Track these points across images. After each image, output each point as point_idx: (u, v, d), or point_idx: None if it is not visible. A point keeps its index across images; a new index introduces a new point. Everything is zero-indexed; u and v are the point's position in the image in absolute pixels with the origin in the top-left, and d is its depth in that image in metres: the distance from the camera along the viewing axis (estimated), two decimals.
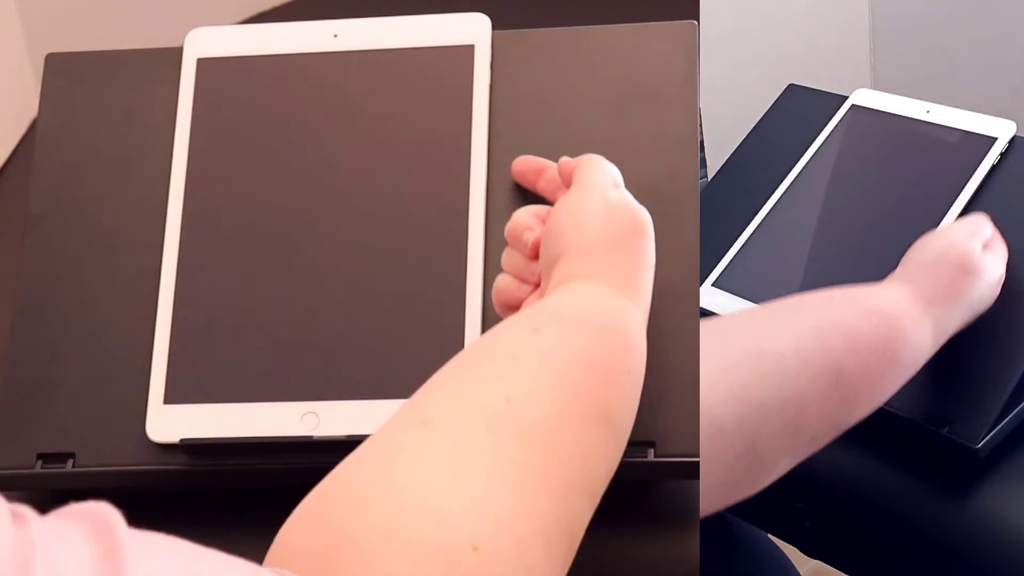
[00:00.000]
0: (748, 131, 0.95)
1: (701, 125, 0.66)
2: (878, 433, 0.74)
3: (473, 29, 0.67)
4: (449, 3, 0.68)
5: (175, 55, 0.68)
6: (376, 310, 0.63)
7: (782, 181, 0.88)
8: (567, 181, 0.60)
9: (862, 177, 0.86)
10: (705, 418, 0.54)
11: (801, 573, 0.93)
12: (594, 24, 0.67)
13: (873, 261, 0.75)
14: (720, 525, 0.88)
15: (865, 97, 0.89)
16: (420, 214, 0.64)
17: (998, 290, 0.70)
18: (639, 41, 0.66)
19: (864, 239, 0.82)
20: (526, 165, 0.64)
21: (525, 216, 0.60)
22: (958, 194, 0.79)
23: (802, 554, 0.79)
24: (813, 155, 0.88)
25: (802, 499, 0.76)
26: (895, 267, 0.68)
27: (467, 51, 0.67)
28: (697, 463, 0.57)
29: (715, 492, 0.56)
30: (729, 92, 1.58)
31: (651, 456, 0.58)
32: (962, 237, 0.69)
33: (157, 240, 0.65)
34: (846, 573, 0.78)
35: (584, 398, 0.49)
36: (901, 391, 0.74)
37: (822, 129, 0.89)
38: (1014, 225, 0.74)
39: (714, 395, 0.55)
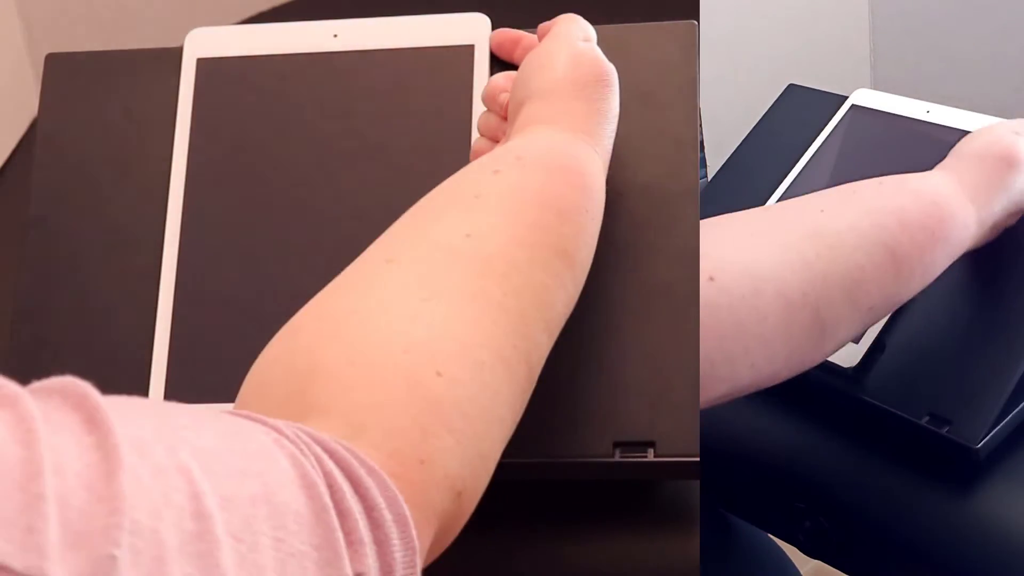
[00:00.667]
0: (748, 131, 0.95)
1: (701, 125, 0.66)
2: (878, 433, 0.74)
3: (473, 29, 0.67)
4: (449, 3, 0.68)
5: (175, 55, 0.68)
6: None
7: (782, 181, 0.88)
8: (543, 38, 0.62)
9: (862, 177, 0.86)
10: (773, 290, 0.58)
11: (801, 573, 0.93)
12: (594, 24, 0.67)
13: None
14: (720, 525, 0.88)
15: (865, 97, 0.89)
16: None
17: None
18: (639, 41, 0.66)
19: None
20: (504, 36, 0.66)
21: (501, 79, 0.62)
22: None
23: (802, 554, 0.79)
24: (813, 155, 0.88)
25: (802, 499, 0.76)
26: None
27: (467, 51, 0.67)
28: (697, 463, 0.57)
29: (783, 363, 0.60)
30: (729, 92, 1.58)
31: (651, 456, 0.58)
32: (1007, 133, 0.72)
33: (157, 240, 0.65)
34: (846, 573, 0.78)
35: (540, 233, 0.51)
36: (901, 391, 0.74)
37: (822, 129, 0.89)
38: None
39: (780, 269, 0.59)
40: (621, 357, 0.59)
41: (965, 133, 0.81)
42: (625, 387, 0.59)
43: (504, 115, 0.61)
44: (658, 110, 0.64)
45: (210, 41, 0.69)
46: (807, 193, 0.86)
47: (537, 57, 0.60)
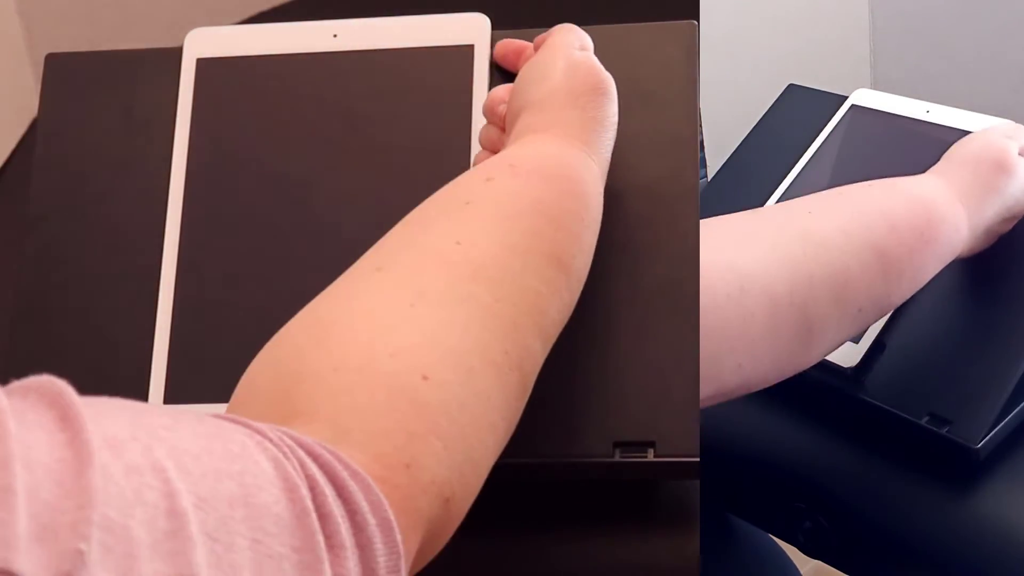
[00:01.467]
0: (748, 131, 0.95)
1: (701, 125, 0.66)
2: (878, 433, 0.74)
3: (473, 29, 0.67)
4: (449, 3, 0.68)
5: (175, 55, 0.68)
6: None
7: (782, 181, 0.88)
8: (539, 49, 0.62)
9: (862, 177, 0.86)
10: (759, 290, 0.58)
11: (801, 573, 0.93)
12: (594, 24, 0.67)
13: None
14: (720, 525, 0.89)
15: (865, 97, 0.89)
16: None
17: None
18: (639, 41, 0.66)
19: None
20: (507, 47, 0.66)
21: (501, 91, 0.62)
22: None
23: (802, 554, 0.79)
24: (813, 155, 0.88)
25: (802, 499, 0.76)
26: None
27: (467, 51, 0.67)
28: (697, 463, 0.57)
29: (770, 365, 0.60)
30: (729, 92, 1.58)
31: (651, 456, 0.58)
32: (999, 137, 0.72)
33: (157, 240, 0.65)
34: (846, 573, 0.78)
35: (533, 240, 0.50)
36: (901, 391, 0.74)
37: (822, 129, 0.89)
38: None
39: (767, 270, 0.59)
40: (621, 357, 0.59)
41: (965, 133, 0.81)
42: (625, 387, 0.59)
43: (504, 127, 0.61)
44: (658, 110, 0.64)
45: (210, 41, 0.69)
46: (807, 193, 0.86)
47: (533, 68, 0.59)
